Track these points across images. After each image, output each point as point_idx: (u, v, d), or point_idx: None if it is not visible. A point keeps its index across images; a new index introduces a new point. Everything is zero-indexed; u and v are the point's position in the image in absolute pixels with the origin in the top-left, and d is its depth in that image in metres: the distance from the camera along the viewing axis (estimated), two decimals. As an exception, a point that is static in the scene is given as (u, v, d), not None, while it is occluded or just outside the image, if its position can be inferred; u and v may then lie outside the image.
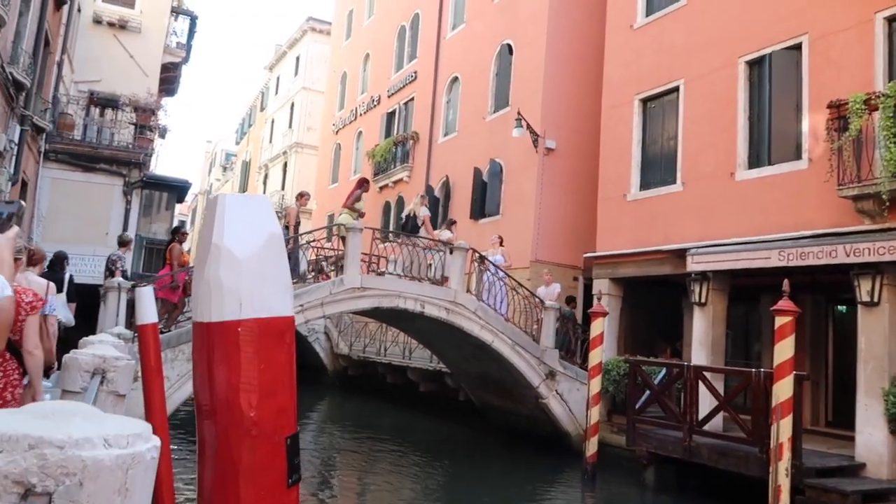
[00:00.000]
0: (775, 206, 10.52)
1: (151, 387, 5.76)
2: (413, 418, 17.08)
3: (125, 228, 16.59)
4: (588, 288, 15.11)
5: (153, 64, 19.24)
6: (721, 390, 10.16)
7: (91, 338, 5.83)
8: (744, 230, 10.85)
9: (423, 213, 13.77)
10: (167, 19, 20.17)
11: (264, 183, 40.01)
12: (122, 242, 11.67)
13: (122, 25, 18.89)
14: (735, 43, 11.64)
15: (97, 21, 18.84)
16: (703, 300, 11.26)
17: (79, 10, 18.07)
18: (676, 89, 12.69)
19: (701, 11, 12.46)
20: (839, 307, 12.27)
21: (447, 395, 17.04)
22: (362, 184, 13.55)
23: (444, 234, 13.00)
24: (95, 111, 18.20)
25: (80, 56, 18.46)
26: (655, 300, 13.84)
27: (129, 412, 6.84)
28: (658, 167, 13.06)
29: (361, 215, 13.21)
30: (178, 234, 11.88)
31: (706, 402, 9.98)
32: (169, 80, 21.40)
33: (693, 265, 11.32)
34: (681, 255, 11.67)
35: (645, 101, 13.49)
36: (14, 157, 12.60)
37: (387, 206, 23.82)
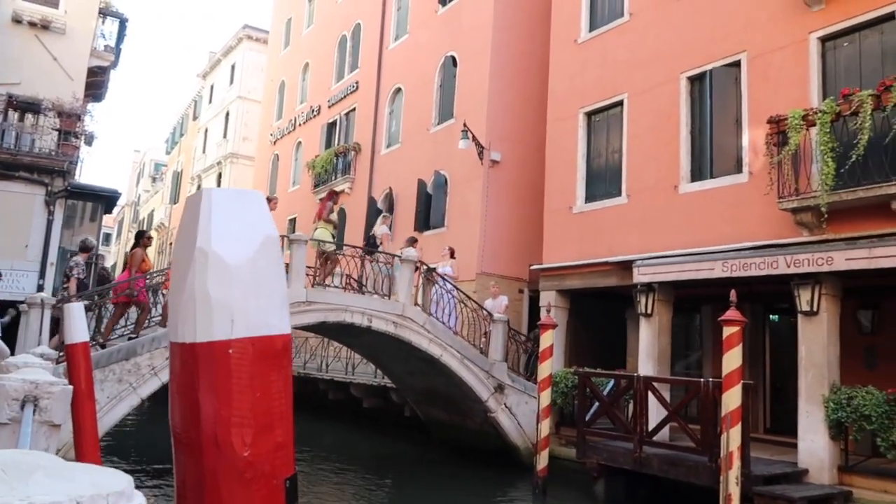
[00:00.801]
0: (718, 218, 10.76)
1: (83, 412, 5.27)
2: (356, 435, 16.64)
3: (47, 241, 15.58)
4: (533, 300, 15.11)
5: (79, 67, 18.20)
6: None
7: (15, 359, 5.28)
8: (688, 242, 11.05)
9: (382, 231, 13.90)
10: (94, 21, 19.16)
11: (197, 194, 38.68)
12: (83, 248, 10.91)
13: (44, 26, 17.82)
14: (677, 59, 11.91)
15: (17, 20, 17.70)
16: (648, 311, 11.39)
17: (-3, 9, 16.99)
18: (620, 103, 12.88)
19: (643, 27, 12.71)
20: (772, 316, 12.66)
21: (392, 411, 16.68)
22: (332, 196, 14.14)
23: (409, 251, 12.73)
24: (14, 115, 17.05)
25: (-2, 57, 17.29)
26: (601, 312, 13.94)
27: (60, 442, 6.25)
28: (603, 180, 13.21)
29: (336, 227, 13.53)
30: (142, 238, 11.11)
31: (655, 412, 10.04)
32: (96, 84, 20.33)
33: (639, 276, 11.45)
34: (626, 266, 11.79)
35: (589, 115, 13.65)
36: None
37: (327, 217, 23.32)
